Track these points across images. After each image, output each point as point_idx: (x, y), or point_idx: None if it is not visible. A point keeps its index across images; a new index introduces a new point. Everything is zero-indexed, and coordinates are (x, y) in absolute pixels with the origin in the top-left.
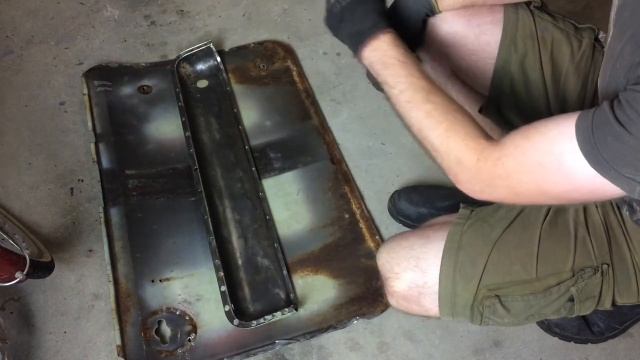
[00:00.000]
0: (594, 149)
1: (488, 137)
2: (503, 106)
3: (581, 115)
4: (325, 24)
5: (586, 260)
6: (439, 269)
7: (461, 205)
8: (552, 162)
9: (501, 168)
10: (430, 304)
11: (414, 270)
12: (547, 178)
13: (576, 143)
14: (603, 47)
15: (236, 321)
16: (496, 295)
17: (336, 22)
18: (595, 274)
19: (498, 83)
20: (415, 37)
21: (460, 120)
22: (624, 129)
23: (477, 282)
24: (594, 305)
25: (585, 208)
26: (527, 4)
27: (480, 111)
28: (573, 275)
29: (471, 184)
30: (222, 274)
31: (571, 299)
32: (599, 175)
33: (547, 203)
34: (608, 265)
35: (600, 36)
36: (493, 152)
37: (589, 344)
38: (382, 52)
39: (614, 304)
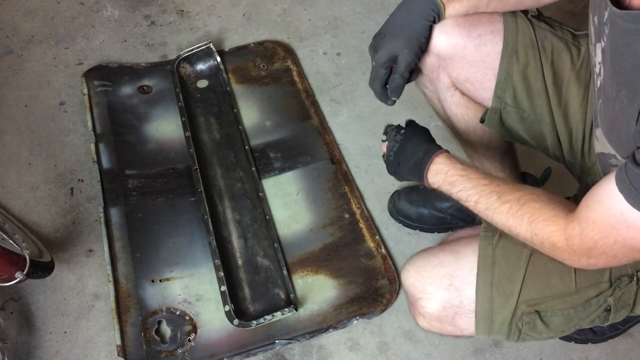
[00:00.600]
0: None
1: (565, 211)
2: (505, 116)
3: (618, 178)
4: (389, 173)
5: (622, 268)
6: (474, 286)
7: (482, 227)
8: (619, 222)
9: (587, 241)
10: (466, 324)
11: (448, 289)
12: (626, 236)
13: (626, 202)
14: None
15: (236, 321)
16: (536, 311)
17: (395, 167)
18: (631, 282)
19: (500, 94)
20: (421, 44)
21: (536, 208)
22: None
23: (517, 298)
24: (627, 313)
25: None
26: (525, 13)
27: (481, 121)
28: (611, 285)
29: (575, 261)
30: (222, 274)
31: (607, 309)
32: None
33: None
34: None
35: None
36: (574, 228)
37: (589, 344)
38: (444, 174)
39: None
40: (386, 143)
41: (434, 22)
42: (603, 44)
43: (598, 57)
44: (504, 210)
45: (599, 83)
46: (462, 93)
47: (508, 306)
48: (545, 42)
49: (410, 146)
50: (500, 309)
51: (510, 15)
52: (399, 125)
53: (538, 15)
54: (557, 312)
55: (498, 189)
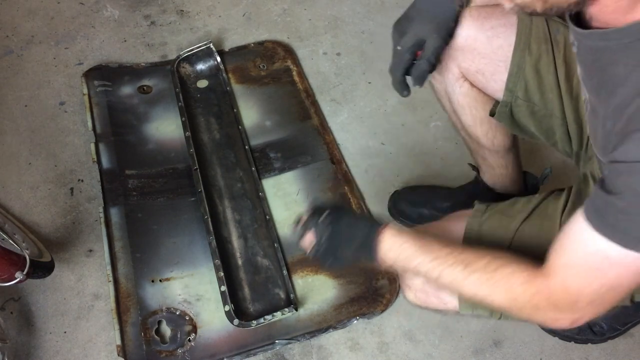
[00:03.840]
0: (614, 231)
1: (537, 270)
2: (516, 110)
3: (587, 209)
4: (326, 265)
5: None
6: None
7: (476, 202)
8: (600, 261)
9: (572, 292)
10: (450, 297)
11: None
12: (610, 275)
13: (600, 235)
14: None
15: (236, 321)
16: None
17: (334, 253)
18: None
19: (512, 87)
20: (449, 30)
21: (509, 273)
22: (622, 200)
23: None
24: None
25: None
26: None
27: (491, 115)
28: None
29: (562, 321)
30: (222, 274)
31: None
32: (633, 252)
33: (628, 294)
34: None
35: None
36: (555, 282)
37: (589, 344)
38: (398, 248)
39: (632, 300)
40: (308, 235)
41: (462, 6)
42: (578, 58)
43: (578, 70)
44: (473, 281)
45: (585, 94)
46: (472, 84)
47: None
48: (558, 35)
49: (346, 228)
50: None
51: None
52: (313, 212)
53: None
54: None
55: (461, 257)
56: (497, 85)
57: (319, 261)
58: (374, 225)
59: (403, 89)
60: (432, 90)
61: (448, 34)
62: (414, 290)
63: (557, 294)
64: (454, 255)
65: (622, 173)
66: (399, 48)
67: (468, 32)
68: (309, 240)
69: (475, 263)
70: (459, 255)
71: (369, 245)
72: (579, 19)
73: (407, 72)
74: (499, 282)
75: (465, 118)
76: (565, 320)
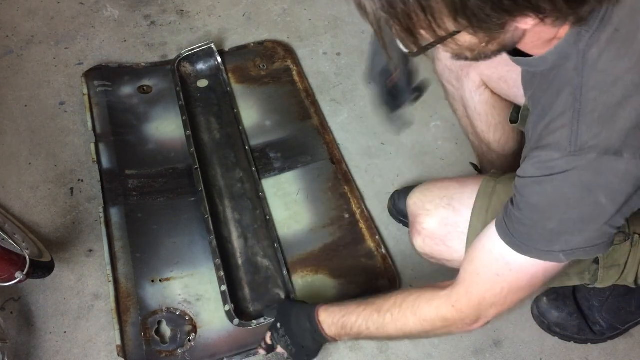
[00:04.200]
0: (513, 238)
1: (439, 288)
2: None
3: (497, 220)
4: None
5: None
6: (471, 209)
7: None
8: (501, 267)
9: (474, 298)
10: (458, 245)
11: (446, 208)
12: (509, 280)
13: (503, 243)
14: None
15: (236, 321)
16: None
17: (304, 352)
18: (625, 240)
19: None
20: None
21: (414, 299)
22: (520, 212)
23: None
24: (617, 277)
25: None
26: None
27: (512, 122)
28: None
29: (469, 325)
30: (222, 273)
31: (596, 262)
32: (530, 258)
33: (529, 295)
34: None
35: None
36: (459, 290)
37: (589, 344)
38: (333, 325)
39: (636, 282)
40: (278, 347)
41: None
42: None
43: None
44: (388, 320)
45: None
46: (492, 91)
47: None
48: None
49: (296, 329)
50: None
51: None
52: (270, 330)
53: None
54: None
55: (374, 306)
56: (519, 91)
57: None
58: (309, 315)
59: (397, 121)
60: (444, 93)
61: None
62: (424, 236)
63: (460, 300)
64: (369, 308)
65: (520, 187)
66: (370, 83)
67: None
68: (281, 352)
69: (385, 304)
70: (371, 305)
71: (318, 334)
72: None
73: (395, 108)
74: (408, 310)
75: (479, 124)
76: (472, 325)
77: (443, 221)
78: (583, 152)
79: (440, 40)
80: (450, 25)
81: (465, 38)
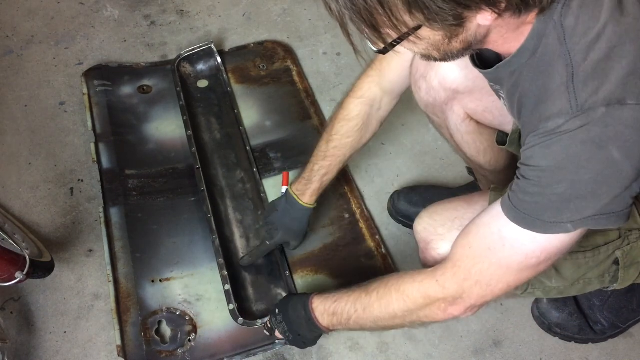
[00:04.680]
0: (517, 211)
1: (423, 269)
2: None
3: (503, 200)
4: (302, 347)
5: (633, 222)
6: None
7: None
8: (495, 241)
9: (460, 272)
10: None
11: (460, 229)
12: (500, 256)
13: (505, 216)
14: None
15: (240, 320)
16: None
17: (303, 339)
18: None
19: None
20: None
21: (399, 277)
22: (526, 181)
23: None
24: (637, 275)
25: None
26: None
27: (499, 144)
28: (620, 237)
29: (454, 308)
30: (225, 272)
31: (616, 262)
32: (533, 232)
33: (517, 282)
34: None
35: None
36: (445, 264)
37: (589, 344)
38: (325, 312)
39: None
40: (276, 331)
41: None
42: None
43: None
44: (374, 299)
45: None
46: (477, 122)
47: None
48: None
49: (292, 316)
50: None
51: None
52: (270, 314)
53: None
54: (567, 255)
55: (362, 288)
56: (504, 119)
57: (298, 347)
58: (304, 303)
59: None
60: (430, 123)
61: (302, 239)
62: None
63: (445, 274)
64: (358, 291)
65: (525, 158)
66: (268, 243)
67: (475, 73)
68: (279, 336)
69: (373, 284)
70: (360, 287)
71: (313, 322)
72: (484, 60)
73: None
74: (392, 287)
75: (468, 150)
76: (455, 305)
77: None
78: (586, 110)
79: (403, 36)
80: (409, 20)
81: (427, 33)
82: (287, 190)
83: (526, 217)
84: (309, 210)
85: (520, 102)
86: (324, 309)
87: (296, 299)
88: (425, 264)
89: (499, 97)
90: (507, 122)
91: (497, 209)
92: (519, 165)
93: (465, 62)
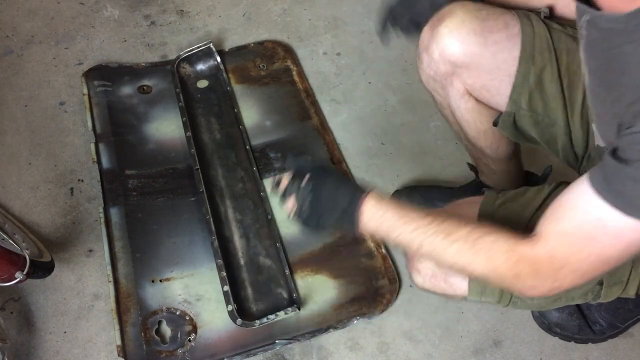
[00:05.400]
0: (621, 199)
1: (520, 239)
2: (519, 120)
3: (593, 176)
4: (310, 228)
5: None
6: None
7: (486, 190)
8: (596, 228)
9: (557, 261)
10: (460, 282)
11: None
12: (601, 245)
13: (604, 202)
14: None
15: (239, 321)
16: None
17: (317, 219)
18: None
19: (516, 98)
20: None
21: (491, 242)
22: (633, 167)
23: None
24: (620, 292)
25: None
26: (538, 14)
27: (494, 125)
28: None
29: (540, 289)
30: (224, 273)
31: (600, 282)
32: (637, 220)
33: (613, 267)
34: None
35: None
36: (541, 248)
37: (590, 344)
38: (379, 218)
39: (637, 293)
40: (290, 199)
41: None
42: (583, 41)
43: (582, 54)
44: (454, 250)
45: (585, 80)
46: (477, 99)
47: None
48: (560, 44)
49: (328, 194)
50: None
51: (526, 19)
52: (294, 174)
53: (550, 16)
54: None
55: (442, 227)
56: (502, 99)
57: (309, 229)
58: (356, 194)
59: (387, 35)
60: (433, 101)
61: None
62: (424, 274)
63: (541, 261)
64: (435, 225)
65: (627, 144)
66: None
67: (473, 49)
68: (291, 203)
69: (456, 232)
70: (440, 225)
71: (351, 215)
72: (589, 4)
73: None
74: (480, 251)
75: (469, 130)
76: (543, 288)
77: None
78: None
79: None
80: None
81: None
82: None
83: (631, 203)
84: None
85: (608, 66)
86: (377, 216)
87: (341, 180)
88: (410, 274)
89: (582, 39)
90: (502, 103)
91: (588, 193)
92: (617, 148)
93: (465, 36)
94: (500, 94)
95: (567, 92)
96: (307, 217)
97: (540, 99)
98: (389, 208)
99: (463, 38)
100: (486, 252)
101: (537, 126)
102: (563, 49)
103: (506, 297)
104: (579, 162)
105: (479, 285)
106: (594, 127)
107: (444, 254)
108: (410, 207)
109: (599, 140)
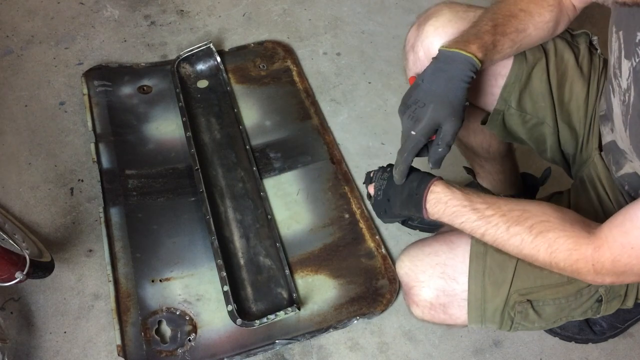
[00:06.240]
0: None
1: (583, 234)
2: (508, 118)
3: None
4: (378, 215)
5: None
6: (467, 275)
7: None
8: None
9: (620, 266)
10: (459, 312)
11: (441, 277)
12: None
13: None
14: (597, 49)
15: (239, 321)
16: (528, 300)
17: (385, 205)
18: None
19: (507, 97)
20: (463, 113)
21: (553, 239)
22: None
23: (508, 287)
24: (619, 305)
25: (609, 212)
26: None
27: (482, 123)
28: None
29: (599, 281)
30: (224, 273)
31: (599, 300)
32: None
33: None
34: None
35: (593, 40)
36: (604, 254)
37: (590, 344)
38: (444, 204)
39: (636, 302)
40: (373, 185)
41: (471, 82)
42: (635, 62)
43: (625, 74)
44: (516, 242)
45: (628, 98)
46: None
47: (500, 295)
48: (549, 44)
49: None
50: (492, 297)
51: None
52: (382, 166)
53: None
54: (549, 301)
55: (505, 218)
56: (487, 98)
57: (377, 213)
58: (424, 179)
59: (406, 174)
60: None
61: (463, 114)
62: (422, 307)
63: (603, 264)
64: (497, 216)
65: None
66: (413, 133)
67: None
68: (371, 190)
69: (518, 224)
70: (502, 217)
71: (417, 200)
72: None
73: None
74: (541, 247)
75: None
76: (603, 283)
77: (440, 292)
78: None
79: None
80: None
81: None
82: (439, 50)
83: None
84: (475, 65)
85: None
86: (443, 201)
87: (414, 169)
88: (409, 306)
89: (631, 58)
90: (489, 102)
91: None
92: None
93: (451, 36)
94: (486, 94)
95: (555, 91)
96: (378, 203)
97: (530, 98)
98: (456, 194)
99: (449, 37)
100: (546, 249)
101: (525, 125)
102: (551, 49)
103: (507, 322)
104: (568, 162)
105: (479, 313)
106: (617, 134)
107: (506, 245)
108: (476, 195)
109: (633, 158)
